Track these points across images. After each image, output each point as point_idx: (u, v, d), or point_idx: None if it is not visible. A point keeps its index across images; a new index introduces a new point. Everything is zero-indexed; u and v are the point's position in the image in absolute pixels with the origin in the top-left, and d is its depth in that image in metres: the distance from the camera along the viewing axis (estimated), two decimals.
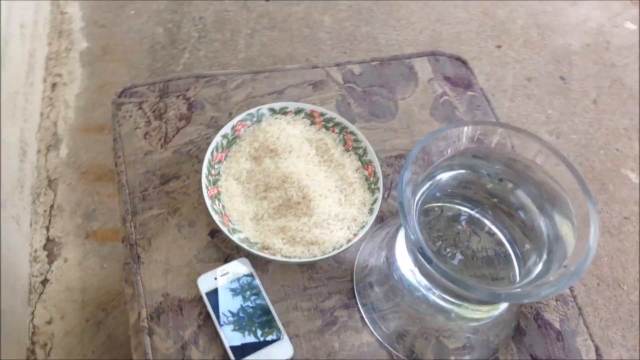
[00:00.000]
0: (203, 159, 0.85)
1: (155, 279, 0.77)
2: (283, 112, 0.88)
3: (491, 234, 0.76)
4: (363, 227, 0.80)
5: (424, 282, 0.68)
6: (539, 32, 2.02)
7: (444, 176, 0.70)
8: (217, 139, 0.83)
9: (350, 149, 0.87)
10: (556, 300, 0.81)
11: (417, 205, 0.67)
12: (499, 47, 1.95)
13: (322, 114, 0.88)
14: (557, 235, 0.65)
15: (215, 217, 0.77)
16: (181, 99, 0.92)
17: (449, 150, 0.66)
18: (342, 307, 0.77)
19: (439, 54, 1.02)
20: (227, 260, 0.78)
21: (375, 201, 0.82)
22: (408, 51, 1.86)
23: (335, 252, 0.77)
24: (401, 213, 0.61)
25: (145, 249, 0.79)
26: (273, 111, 0.87)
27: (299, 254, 0.77)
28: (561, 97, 1.86)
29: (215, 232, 0.81)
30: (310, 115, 0.88)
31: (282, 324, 0.74)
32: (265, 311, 0.74)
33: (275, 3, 1.97)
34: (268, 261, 0.79)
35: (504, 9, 2.05)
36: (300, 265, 0.79)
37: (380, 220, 0.84)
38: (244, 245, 0.76)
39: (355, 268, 0.81)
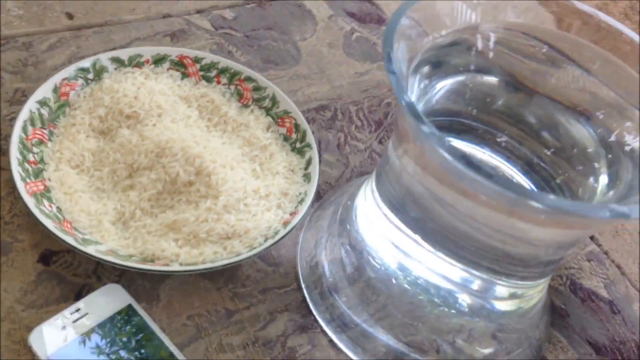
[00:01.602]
0: (7, 149, 0.54)
1: None
2: (135, 63, 0.60)
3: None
4: (302, 200, 0.54)
5: (434, 262, 0.44)
6: None
7: (439, 87, 0.47)
8: (31, 106, 0.53)
9: (250, 102, 0.61)
10: (589, 261, 0.60)
11: None
12: None
13: (197, 60, 0.62)
14: (619, 140, 0.46)
15: (47, 222, 0.46)
16: None
17: (432, 38, 0.44)
18: (297, 330, 0.50)
19: None
20: (80, 295, 0.48)
21: (309, 163, 0.56)
22: None
23: (270, 242, 0.50)
24: (399, 91, 0.36)
25: None
26: (119, 62, 0.59)
27: (211, 257, 0.49)
28: None
29: (51, 254, 0.50)
30: (179, 64, 0.61)
31: None
32: None
33: None
34: (158, 281, 0.49)
35: None
36: (214, 276, 0.51)
37: (317, 196, 0.58)
38: (112, 259, 0.46)
39: (300, 269, 0.54)
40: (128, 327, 0.45)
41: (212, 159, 0.53)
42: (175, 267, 0.47)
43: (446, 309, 0.50)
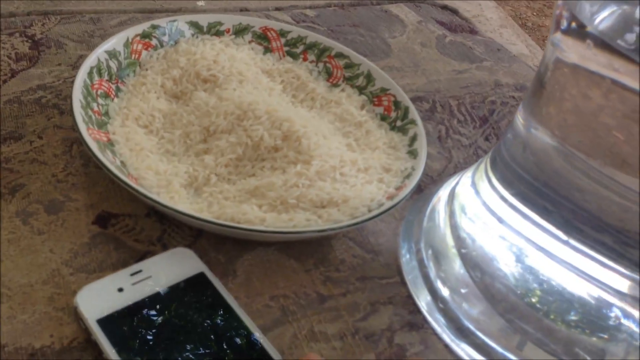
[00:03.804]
0: (66, 108, 0.48)
1: None
2: (214, 31, 0.54)
3: None
4: (409, 175, 0.45)
5: None
6: None
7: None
8: (99, 54, 0.47)
9: (340, 81, 0.54)
10: None
11: None
12: None
13: (282, 33, 0.56)
14: None
15: (112, 168, 0.39)
16: (18, 37, 0.55)
17: None
18: (405, 327, 0.40)
19: (419, 1, 0.76)
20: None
21: (414, 139, 0.48)
22: None
23: (375, 213, 0.41)
24: None
25: None
26: (197, 28, 0.54)
27: (303, 224, 0.40)
28: None
29: (109, 216, 0.42)
30: (262, 37, 0.55)
31: None
32: (251, 348, 0.35)
33: None
34: (235, 255, 0.41)
35: None
36: (301, 256, 0.42)
37: (417, 189, 0.50)
38: (194, 213, 0.38)
39: (402, 262, 0.44)
40: (200, 299, 0.36)
41: (302, 124, 0.46)
42: (268, 228, 0.39)
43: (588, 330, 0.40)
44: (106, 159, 0.40)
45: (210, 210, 0.41)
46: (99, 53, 0.47)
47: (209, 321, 0.35)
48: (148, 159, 0.43)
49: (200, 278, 0.37)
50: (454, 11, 0.77)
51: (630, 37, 0.32)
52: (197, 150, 0.45)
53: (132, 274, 0.36)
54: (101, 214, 0.42)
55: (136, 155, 0.43)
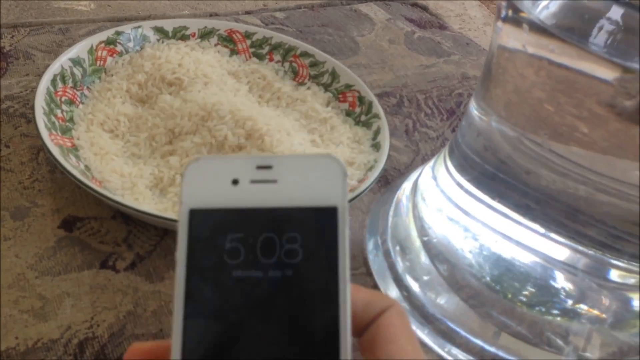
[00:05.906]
0: (33, 117, 0.48)
1: None
2: (180, 36, 0.55)
3: None
4: (372, 168, 0.46)
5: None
6: None
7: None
8: (63, 61, 0.48)
9: (306, 80, 0.55)
10: None
11: None
12: None
13: (247, 35, 0.56)
14: None
15: (74, 171, 0.39)
16: None
17: None
18: None
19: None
20: (107, 264, 0.39)
21: (377, 133, 0.49)
22: None
23: None
24: None
25: None
26: (162, 33, 0.54)
27: None
28: None
29: (75, 220, 0.42)
30: (228, 40, 0.56)
31: None
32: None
33: None
34: None
35: None
36: None
37: (385, 181, 0.51)
38: (164, 214, 0.39)
39: (368, 254, 0.45)
40: (314, 246, 0.24)
41: (266, 122, 0.46)
42: None
43: (544, 309, 0.40)
44: (69, 163, 0.40)
45: (175, 210, 0.41)
46: (62, 61, 0.47)
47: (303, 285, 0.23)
48: (113, 162, 0.44)
49: (328, 215, 0.24)
50: (424, 8, 0.78)
51: (599, 36, 0.32)
52: (163, 152, 0.46)
53: (259, 167, 0.25)
54: (67, 218, 0.42)
55: (100, 159, 0.44)
